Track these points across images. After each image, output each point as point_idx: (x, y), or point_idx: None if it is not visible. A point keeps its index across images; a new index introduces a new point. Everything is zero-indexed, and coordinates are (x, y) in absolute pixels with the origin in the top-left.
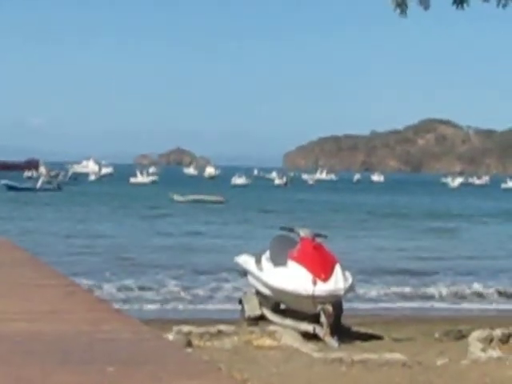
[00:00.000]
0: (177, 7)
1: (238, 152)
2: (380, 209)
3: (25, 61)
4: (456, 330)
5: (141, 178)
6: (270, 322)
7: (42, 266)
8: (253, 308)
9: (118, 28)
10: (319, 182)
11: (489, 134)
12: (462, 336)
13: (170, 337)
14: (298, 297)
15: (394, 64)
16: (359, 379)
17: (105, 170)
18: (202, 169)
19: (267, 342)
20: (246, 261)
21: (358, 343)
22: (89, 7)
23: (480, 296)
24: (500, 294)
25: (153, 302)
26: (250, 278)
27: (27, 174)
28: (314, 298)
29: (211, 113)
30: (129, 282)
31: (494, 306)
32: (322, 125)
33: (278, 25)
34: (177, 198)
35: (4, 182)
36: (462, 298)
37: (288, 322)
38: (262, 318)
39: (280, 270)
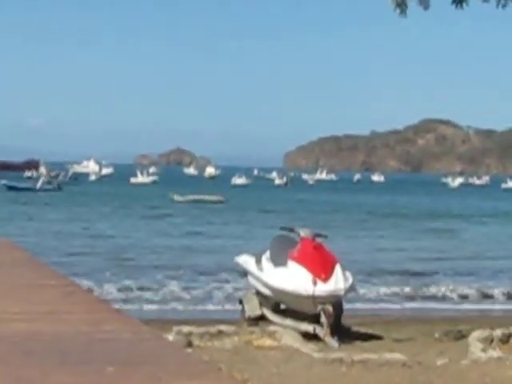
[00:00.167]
0: (177, 7)
1: (238, 152)
2: (380, 209)
3: (24, 61)
4: (456, 330)
5: (141, 178)
6: (271, 323)
7: (41, 266)
8: (253, 308)
9: (118, 28)
10: (319, 182)
11: (489, 134)
12: (462, 336)
13: (170, 337)
14: (298, 297)
15: (393, 64)
16: (359, 379)
17: (105, 170)
18: (202, 169)
19: (267, 342)
20: (246, 261)
21: (358, 343)
22: (89, 7)
23: (480, 296)
24: (502, 294)
25: (153, 302)
26: (250, 278)
27: (27, 174)
28: (314, 298)
29: (211, 113)
30: (129, 282)
31: (494, 306)
32: (322, 125)
33: (278, 25)
34: (177, 198)
35: (4, 182)
36: (462, 298)
37: (288, 322)
38: (262, 318)
39: (280, 270)
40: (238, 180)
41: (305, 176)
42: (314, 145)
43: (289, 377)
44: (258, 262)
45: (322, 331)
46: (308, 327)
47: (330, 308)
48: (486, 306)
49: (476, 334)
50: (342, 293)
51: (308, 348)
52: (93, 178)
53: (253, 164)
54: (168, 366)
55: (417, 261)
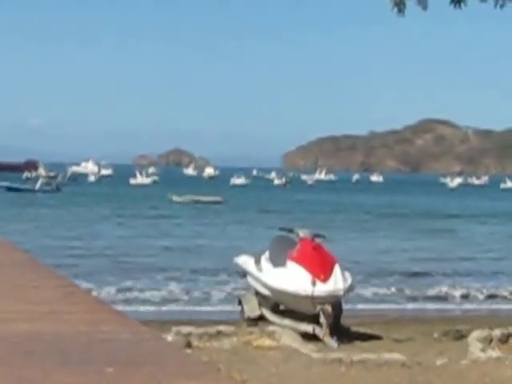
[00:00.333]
0: (177, 7)
1: (237, 152)
2: (379, 209)
3: (24, 61)
4: (455, 330)
5: (140, 179)
6: (270, 323)
7: (41, 267)
8: (252, 308)
9: (117, 28)
10: (318, 182)
11: (487, 134)
12: (461, 336)
13: (170, 337)
14: (297, 297)
15: (392, 64)
16: (358, 379)
17: (104, 171)
18: (201, 169)
19: (266, 342)
20: (245, 261)
21: (358, 343)
22: (89, 7)
23: (479, 296)
24: (501, 294)
25: (152, 303)
26: (250, 279)
27: (26, 174)
28: (313, 299)
29: (210, 113)
30: (128, 283)
31: (493, 306)
32: (320, 125)
33: (278, 25)
34: (176, 198)
35: (2, 183)
36: (461, 298)
37: (287, 322)
38: (261, 318)
39: (279, 270)
40: (237, 180)
41: (304, 176)
42: (312, 145)
43: (288, 377)
44: (257, 262)
45: (321, 331)
46: (307, 327)
47: (329, 308)
48: (485, 306)
49: (475, 334)
50: (341, 293)
51: (307, 348)
52: (92, 178)
53: (252, 164)
54: (167, 367)
55: (416, 261)
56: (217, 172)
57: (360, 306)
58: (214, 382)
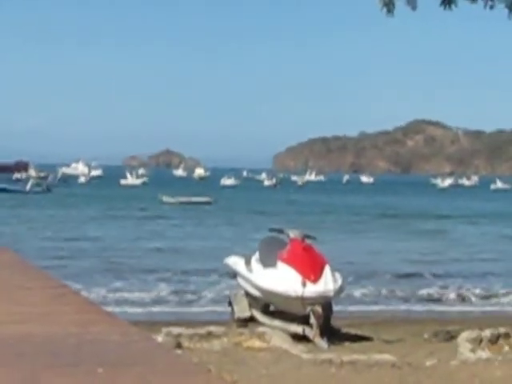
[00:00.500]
0: (176, 7)
1: (227, 153)
2: (370, 210)
3: (14, 61)
4: (445, 331)
5: (131, 180)
6: (260, 324)
7: (31, 268)
8: (242, 309)
9: (114, 29)
10: (308, 183)
11: (478, 135)
12: (451, 337)
13: (160, 338)
14: (287, 298)
15: (383, 66)
16: (348, 380)
17: (94, 172)
18: (191, 170)
19: (257, 343)
20: (235, 262)
21: (348, 344)
22: (88, 7)
23: (469, 297)
24: (491, 295)
25: (142, 304)
26: (240, 280)
27: (16, 175)
28: (303, 300)
29: (201, 114)
30: (118, 284)
31: (483, 307)
32: (310, 126)
33: (278, 26)
34: (166, 199)
35: None
36: (451, 299)
37: (277, 323)
38: (251, 319)
39: (269, 271)
40: (228, 181)
41: (294, 177)
42: (303, 146)
43: (278, 378)
44: (248, 263)
45: (311, 332)
46: (297, 328)
47: (319, 309)
48: (475, 306)
49: (465, 335)
50: (332, 294)
51: (297, 349)
52: (82, 179)
53: (242, 165)
54: (157, 368)
55: (406, 262)
56: (207, 173)
57: (350, 307)
58: (204, 383)
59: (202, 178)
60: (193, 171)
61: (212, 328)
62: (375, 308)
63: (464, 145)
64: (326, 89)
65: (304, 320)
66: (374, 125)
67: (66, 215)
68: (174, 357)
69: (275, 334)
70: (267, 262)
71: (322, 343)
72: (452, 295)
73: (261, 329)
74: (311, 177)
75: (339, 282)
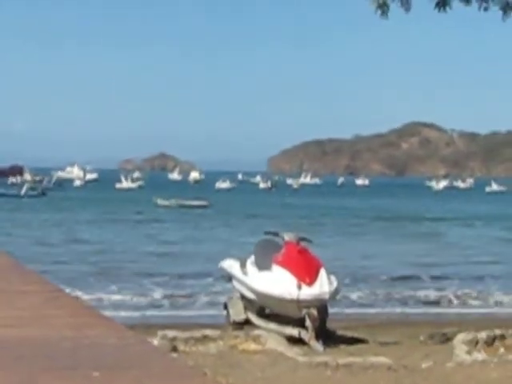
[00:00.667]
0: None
1: (222, 156)
2: (365, 213)
3: (9, 65)
4: (441, 333)
5: (126, 184)
6: (255, 327)
7: (25, 271)
8: (238, 312)
9: (104, 32)
10: (304, 186)
11: (473, 137)
12: (447, 339)
13: (155, 342)
14: (282, 301)
15: (378, 67)
16: (344, 383)
17: (89, 176)
18: (186, 173)
19: (252, 346)
20: (230, 265)
21: (343, 347)
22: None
23: (465, 299)
24: (487, 297)
25: (138, 307)
26: (235, 283)
27: (12, 179)
28: (298, 302)
29: (195, 117)
30: (113, 287)
31: (478, 310)
32: (305, 129)
33: (274, 27)
34: (161, 202)
35: None
36: (446, 301)
37: (273, 326)
38: (247, 322)
39: (265, 274)
40: (223, 184)
41: (289, 180)
42: (297, 149)
43: (274, 381)
44: (243, 266)
45: (306, 335)
46: (293, 331)
47: (314, 312)
48: (470, 308)
49: (461, 337)
50: (327, 297)
51: (293, 352)
52: (77, 183)
53: (237, 168)
54: (153, 371)
55: (401, 264)
56: (202, 176)
57: (346, 310)
58: None
59: (197, 182)
60: (188, 174)
61: (207, 331)
62: (371, 310)
63: (459, 147)
64: (320, 91)
65: (299, 323)
66: (369, 127)
67: (61, 219)
68: (170, 360)
69: (271, 336)
70: (262, 264)
71: (318, 346)
72: (447, 297)
73: (256, 332)
74: (306, 179)
75: (334, 284)
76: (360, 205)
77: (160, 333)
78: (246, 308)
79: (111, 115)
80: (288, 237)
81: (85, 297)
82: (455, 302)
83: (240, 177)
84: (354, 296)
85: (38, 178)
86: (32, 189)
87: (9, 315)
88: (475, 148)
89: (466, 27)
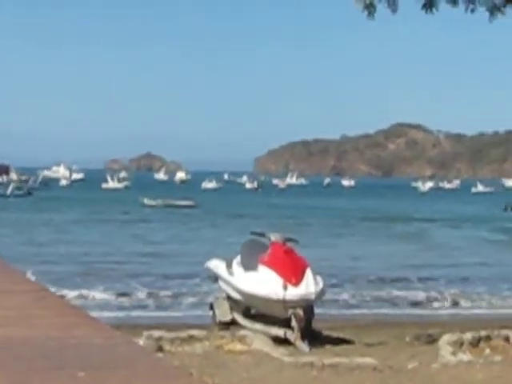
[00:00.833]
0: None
1: (208, 156)
2: (352, 213)
3: (3, 65)
4: (427, 334)
5: (112, 184)
6: (241, 327)
7: (11, 271)
8: (224, 313)
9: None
10: (290, 186)
11: (459, 138)
12: (432, 340)
13: (141, 342)
14: (268, 301)
15: (364, 68)
16: (330, 383)
17: (75, 176)
18: (172, 173)
19: (238, 346)
20: (216, 265)
21: (329, 347)
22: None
23: (450, 300)
24: (472, 298)
25: (124, 307)
26: (221, 283)
27: None
28: (284, 303)
29: (181, 118)
30: (100, 287)
31: (464, 311)
32: (292, 129)
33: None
34: (147, 201)
35: None
36: (432, 302)
37: (259, 326)
38: (233, 322)
39: (251, 274)
40: (209, 184)
41: (275, 180)
42: (284, 149)
43: (259, 381)
44: (229, 266)
45: (292, 335)
46: (279, 331)
47: (300, 312)
48: (456, 309)
49: (446, 338)
50: (313, 297)
51: (278, 352)
52: (63, 183)
53: (223, 168)
54: (139, 371)
55: (388, 265)
56: (188, 176)
57: (332, 310)
58: None
59: (183, 182)
60: (174, 174)
61: (193, 331)
62: (357, 311)
63: (445, 148)
64: (307, 92)
65: (285, 323)
66: (356, 128)
67: (47, 219)
68: (156, 360)
69: (256, 337)
70: (248, 265)
71: (304, 346)
72: (433, 298)
73: (242, 332)
74: (292, 180)
75: (320, 285)
76: (346, 205)
77: (146, 333)
78: (231, 308)
79: (97, 115)
80: (274, 237)
81: (71, 296)
82: (441, 303)
83: (226, 177)
84: (339, 297)
85: (24, 178)
86: (18, 188)
87: None
88: (461, 149)
89: (452, 28)
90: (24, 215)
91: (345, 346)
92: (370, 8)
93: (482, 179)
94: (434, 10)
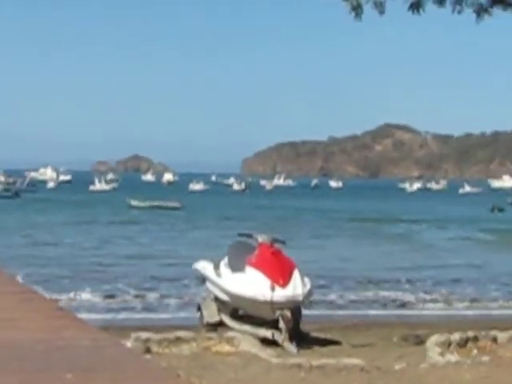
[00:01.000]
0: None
1: (196, 158)
2: (339, 214)
3: None
4: (414, 335)
5: (99, 186)
6: (229, 328)
7: None
8: (211, 314)
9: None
10: (277, 187)
11: (446, 139)
12: (420, 341)
13: (129, 344)
14: (256, 302)
15: (351, 70)
16: None
17: (63, 177)
18: (159, 175)
19: (225, 348)
20: (204, 267)
21: (317, 349)
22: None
23: (438, 301)
24: (459, 299)
25: (111, 309)
26: (209, 284)
27: None
28: (272, 304)
29: (169, 119)
30: (87, 289)
31: (451, 311)
32: (279, 130)
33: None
34: (134, 203)
35: None
36: (420, 303)
37: (246, 327)
38: (220, 324)
39: (238, 275)
40: (196, 186)
41: (263, 182)
42: (271, 151)
43: (247, 382)
44: (216, 268)
45: (280, 337)
46: (266, 333)
47: (288, 313)
48: (444, 310)
49: (434, 339)
50: (301, 298)
51: (266, 353)
52: (51, 185)
53: (211, 170)
54: (127, 373)
55: (375, 266)
56: (176, 178)
57: (319, 312)
58: None
59: (170, 183)
60: (161, 176)
61: (181, 333)
62: (344, 312)
63: (432, 149)
64: (294, 94)
65: (273, 324)
66: (343, 129)
67: (34, 221)
68: (144, 362)
69: (244, 338)
70: (236, 266)
71: (291, 347)
72: (421, 299)
73: (230, 333)
74: (280, 181)
75: (308, 286)
76: (334, 206)
77: (133, 335)
78: (219, 310)
79: (85, 117)
80: (261, 238)
81: (58, 299)
82: (429, 304)
83: (214, 178)
84: (327, 297)
85: (11, 180)
86: (5, 190)
87: None
88: (448, 150)
89: (440, 29)
90: (11, 217)
91: (332, 347)
92: (358, 9)
93: (469, 180)
94: (421, 10)
